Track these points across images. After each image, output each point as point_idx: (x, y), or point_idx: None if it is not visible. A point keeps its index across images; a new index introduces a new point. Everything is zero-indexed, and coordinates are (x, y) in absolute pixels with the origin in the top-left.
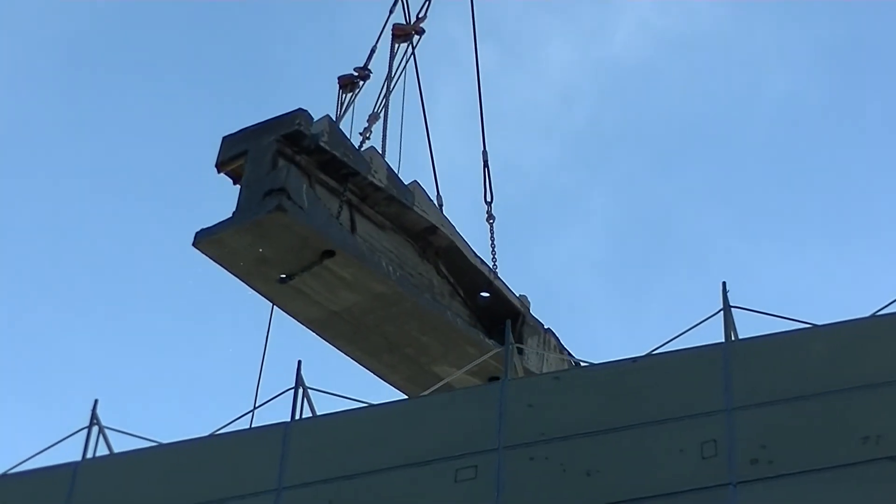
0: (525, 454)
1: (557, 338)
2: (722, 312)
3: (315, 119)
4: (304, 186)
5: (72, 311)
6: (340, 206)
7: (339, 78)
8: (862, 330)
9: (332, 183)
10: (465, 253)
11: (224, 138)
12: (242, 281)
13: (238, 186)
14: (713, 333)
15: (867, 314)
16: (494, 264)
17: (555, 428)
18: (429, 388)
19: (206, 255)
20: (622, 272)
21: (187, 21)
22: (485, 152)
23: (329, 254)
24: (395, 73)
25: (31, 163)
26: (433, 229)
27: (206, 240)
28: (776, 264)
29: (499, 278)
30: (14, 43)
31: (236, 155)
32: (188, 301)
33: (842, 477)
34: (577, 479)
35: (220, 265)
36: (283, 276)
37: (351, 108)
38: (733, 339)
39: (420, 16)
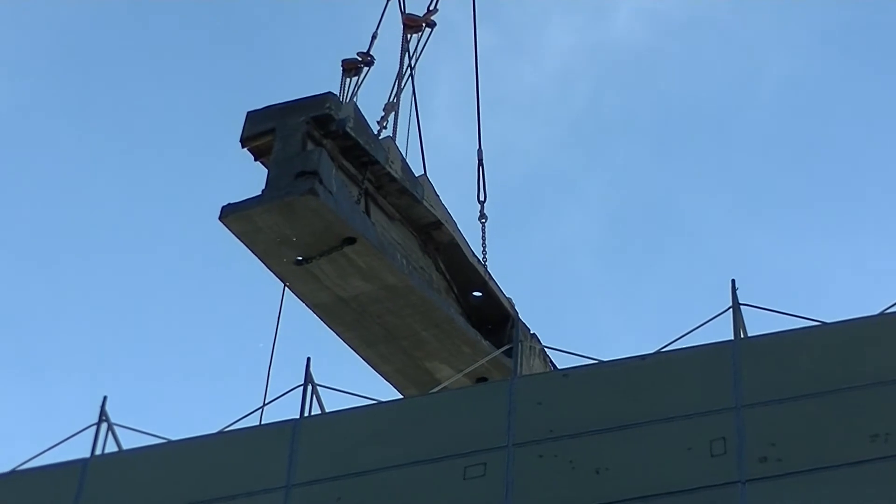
0: (534, 451)
1: (541, 343)
2: (731, 310)
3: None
4: (333, 171)
5: (80, 308)
6: (360, 194)
7: (342, 61)
8: (871, 328)
9: (352, 169)
10: (465, 251)
11: (249, 114)
12: (259, 258)
13: (258, 163)
14: (722, 330)
15: (876, 311)
16: (485, 264)
17: (564, 425)
18: (418, 382)
19: (231, 229)
20: (620, 257)
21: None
22: (480, 151)
23: (350, 241)
24: (405, 65)
25: (28, 156)
26: (438, 224)
27: (234, 215)
28: (778, 251)
29: (492, 279)
30: (21, 28)
31: (263, 132)
32: (197, 298)
33: (851, 475)
34: (586, 477)
35: (242, 241)
36: (300, 258)
37: (355, 93)
38: (742, 336)
39: (431, 8)
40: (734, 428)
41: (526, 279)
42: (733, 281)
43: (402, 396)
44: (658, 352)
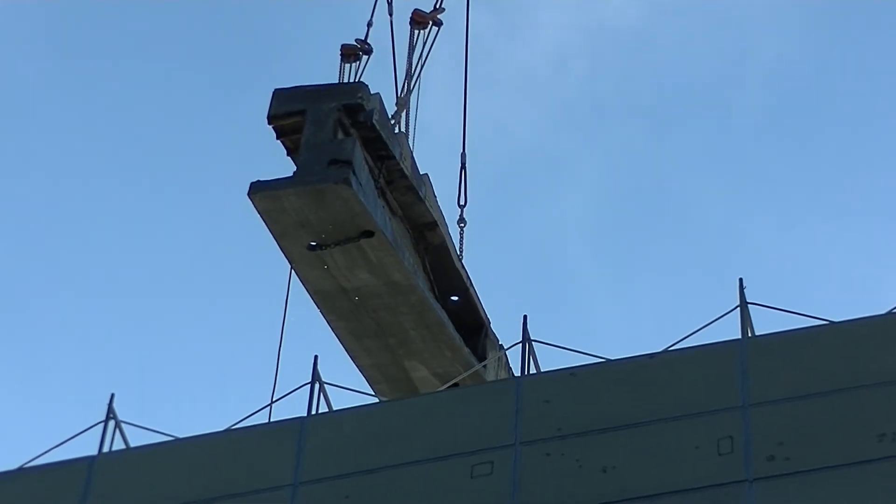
0: (541, 450)
1: (507, 356)
2: (739, 309)
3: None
4: (363, 163)
5: (88, 305)
6: (377, 188)
7: (341, 46)
8: (879, 327)
9: (370, 162)
10: (452, 255)
11: (276, 91)
12: (274, 237)
13: (279, 141)
14: (729, 329)
15: (883, 309)
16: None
17: (571, 424)
18: (392, 379)
19: (257, 207)
20: (613, 239)
21: None
22: (463, 154)
23: (368, 234)
24: (414, 63)
25: (27, 151)
26: (433, 225)
27: (262, 193)
28: (777, 234)
29: (473, 287)
30: (26, 11)
31: (292, 112)
32: (204, 295)
33: (858, 474)
34: (593, 475)
35: (263, 218)
36: (314, 243)
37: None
38: (750, 335)
39: (437, 7)
40: (741, 427)
41: (517, 258)
42: (741, 280)
43: (410, 395)
44: (665, 350)
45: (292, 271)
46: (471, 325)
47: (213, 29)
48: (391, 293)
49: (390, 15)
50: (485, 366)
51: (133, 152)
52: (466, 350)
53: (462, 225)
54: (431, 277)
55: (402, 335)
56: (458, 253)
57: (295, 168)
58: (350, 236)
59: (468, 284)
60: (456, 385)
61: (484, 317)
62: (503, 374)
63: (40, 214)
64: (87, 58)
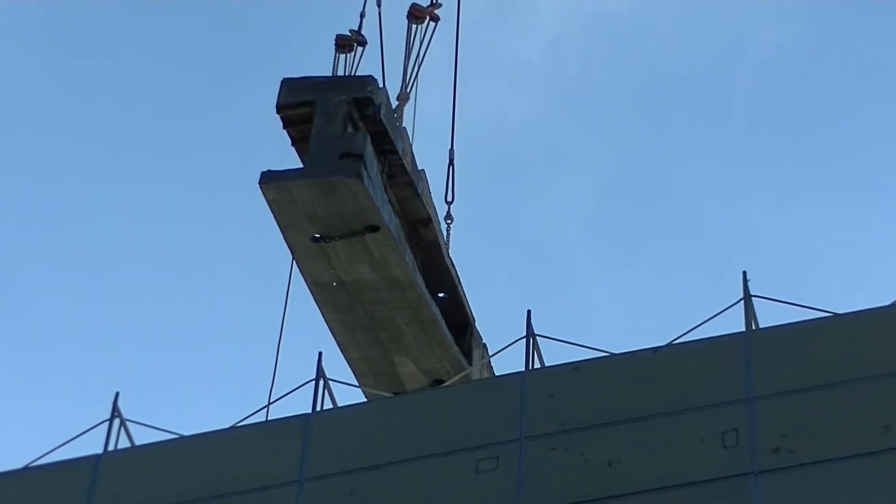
0: (546, 444)
1: (489, 354)
2: (742, 302)
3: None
4: (373, 157)
5: (91, 304)
6: (382, 183)
7: (336, 37)
8: (883, 318)
9: (374, 156)
10: (444, 252)
11: (285, 80)
12: (280, 228)
13: (285, 130)
14: (733, 322)
15: (887, 301)
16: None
17: (576, 418)
18: (379, 372)
19: (266, 197)
20: (613, 231)
21: None
22: (451, 151)
23: (373, 229)
24: (412, 59)
25: (28, 156)
26: (427, 221)
27: (273, 183)
28: (772, 224)
29: (461, 285)
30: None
31: (301, 102)
32: (208, 293)
33: (863, 465)
34: (598, 470)
35: (271, 208)
36: (318, 235)
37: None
38: (754, 328)
39: (435, 2)
40: (746, 419)
41: (514, 248)
42: (744, 273)
43: (415, 391)
44: (669, 344)
45: (293, 266)
46: (457, 322)
47: (210, 26)
48: (389, 288)
49: (378, 6)
50: (471, 366)
51: (132, 151)
52: (455, 348)
53: (449, 222)
54: (422, 273)
55: (394, 330)
56: (446, 247)
57: (302, 159)
58: (355, 230)
59: (457, 282)
60: (441, 381)
61: (470, 315)
62: (486, 375)
63: (40, 214)
64: (87, 57)
